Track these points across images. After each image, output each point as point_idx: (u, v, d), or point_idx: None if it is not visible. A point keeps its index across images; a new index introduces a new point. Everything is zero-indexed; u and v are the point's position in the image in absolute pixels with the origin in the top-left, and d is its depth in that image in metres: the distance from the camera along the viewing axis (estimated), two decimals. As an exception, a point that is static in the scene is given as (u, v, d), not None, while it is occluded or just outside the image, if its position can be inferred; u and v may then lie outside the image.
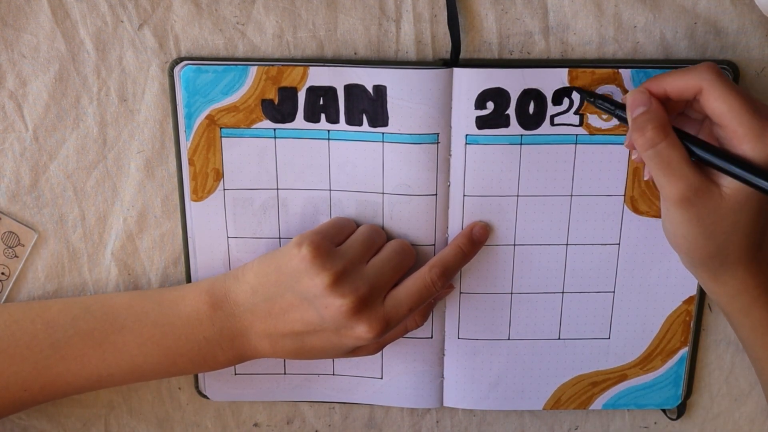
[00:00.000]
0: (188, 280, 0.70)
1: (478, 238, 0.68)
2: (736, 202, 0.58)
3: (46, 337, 0.65)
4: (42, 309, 0.66)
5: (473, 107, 0.65)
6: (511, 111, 0.65)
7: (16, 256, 0.70)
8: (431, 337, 0.72)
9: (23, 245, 0.69)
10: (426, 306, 0.69)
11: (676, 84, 0.58)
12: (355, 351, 0.66)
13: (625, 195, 0.67)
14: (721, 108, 0.57)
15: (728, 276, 0.61)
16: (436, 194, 0.67)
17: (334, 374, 0.73)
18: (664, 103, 0.59)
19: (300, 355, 0.66)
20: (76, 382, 0.66)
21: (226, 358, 0.66)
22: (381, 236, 0.67)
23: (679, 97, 0.59)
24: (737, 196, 0.57)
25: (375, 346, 0.68)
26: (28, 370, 0.64)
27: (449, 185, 0.67)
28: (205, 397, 0.74)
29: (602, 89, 0.65)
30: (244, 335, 0.65)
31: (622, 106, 0.61)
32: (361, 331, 0.63)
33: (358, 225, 0.68)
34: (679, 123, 0.61)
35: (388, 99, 0.64)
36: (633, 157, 0.64)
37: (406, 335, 0.70)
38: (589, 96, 0.63)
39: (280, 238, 0.69)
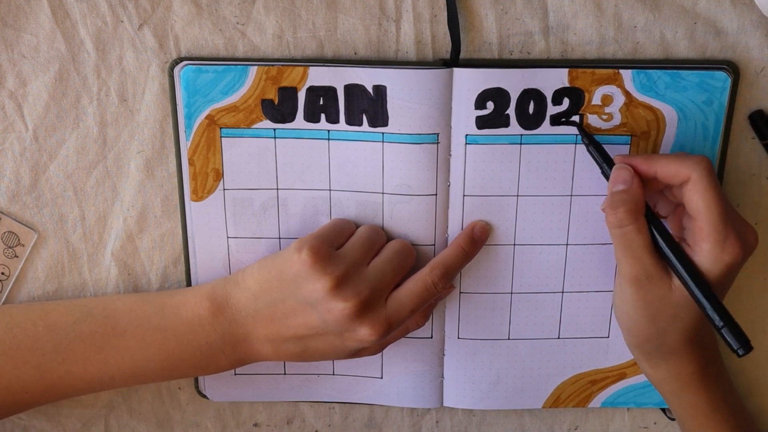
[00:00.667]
0: (188, 280, 0.70)
1: (479, 238, 0.68)
2: (682, 296, 0.61)
3: (47, 339, 0.65)
4: (43, 312, 0.66)
5: (473, 107, 0.65)
6: (511, 111, 0.65)
7: (16, 256, 0.70)
8: (431, 337, 0.72)
9: (23, 245, 0.69)
10: (427, 307, 0.69)
11: (668, 169, 0.61)
12: (357, 352, 0.66)
13: (625, 195, 0.68)
14: (698, 203, 0.60)
15: (662, 360, 0.64)
16: (436, 194, 0.67)
17: (334, 374, 0.73)
18: (649, 180, 0.62)
19: (302, 358, 0.66)
20: (78, 385, 0.66)
21: (228, 362, 0.66)
22: (381, 237, 0.67)
23: (665, 182, 0.62)
24: (684, 291, 0.60)
25: (377, 347, 0.68)
26: (29, 372, 0.64)
27: (449, 185, 0.67)
28: (205, 397, 0.74)
29: (602, 90, 0.65)
30: (246, 340, 0.65)
31: (611, 164, 0.63)
32: (364, 333, 0.63)
33: (357, 226, 0.68)
34: (654, 199, 0.65)
35: (388, 99, 0.64)
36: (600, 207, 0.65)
37: (406, 335, 0.70)
38: (587, 140, 0.65)
39: (280, 238, 0.69)
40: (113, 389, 0.68)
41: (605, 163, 0.63)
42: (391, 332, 0.64)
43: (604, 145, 0.65)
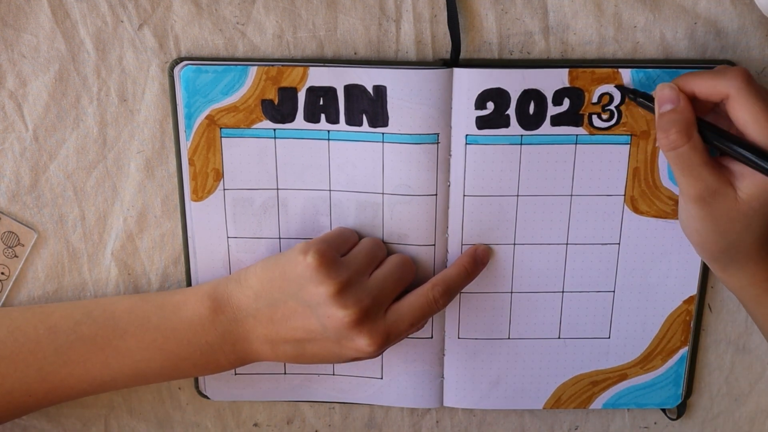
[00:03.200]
0: (188, 280, 0.70)
1: (480, 260, 0.68)
2: (750, 207, 0.59)
3: (49, 342, 0.65)
4: (44, 314, 0.66)
5: (473, 107, 0.65)
6: (511, 111, 0.65)
7: (15, 256, 0.70)
8: (431, 337, 0.72)
9: (23, 245, 0.69)
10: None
11: (704, 86, 0.59)
12: (354, 358, 0.66)
13: (625, 195, 0.67)
14: (744, 117, 0.58)
15: (738, 269, 0.63)
16: (436, 194, 0.67)
17: (334, 374, 0.73)
18: (691, 101, 0.60)
19: (300, 360, 0.66)
20: (80, 387, 0.66)
21: (228, 361, 0.66)
22: (382, 250, 0.67)
23: (706, 99, 0.60)
24: (751, 201, 0.59)
25: (375, 357, 0.67)
26: (32, 375, 0.64)
27: (449, 185, 0.67)
28: (205, 397, 0.74)
29: (602, 89, 0.65)
30: (246, 339, 0.65)
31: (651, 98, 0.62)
32: (362, 343, 0.63)
33: (360, 236, 0.68)
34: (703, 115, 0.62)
35: (388, 99, 0.64)
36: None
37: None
38: (630, 93, 0.64)
39: (280, 238, 0.69)
40: (115, 390, 0.68)
41: (646, 98, 0.62)
42: (388, 344, 0.64)
43: (603, 145, 0.65)
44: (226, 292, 0.65)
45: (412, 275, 0.67)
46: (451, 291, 0.66)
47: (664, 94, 0.60)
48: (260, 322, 0.65)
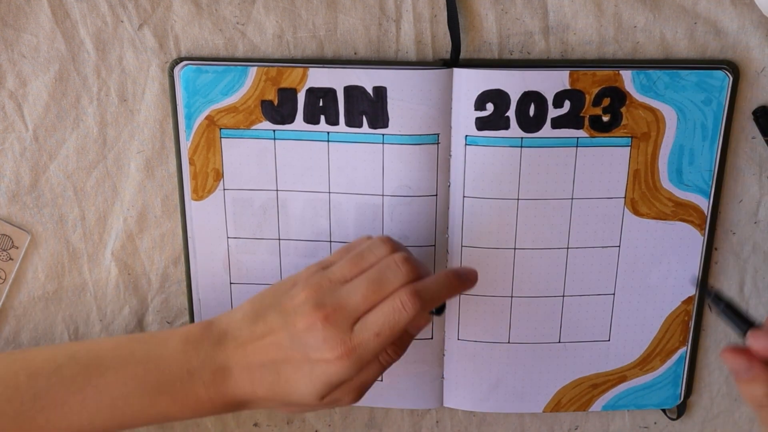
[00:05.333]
0: (188, 280, 0.70)
1: (466, 277, 0.63)
2: None
3: (28, 388, 0.61)
4: (26, 360, 0.63)
5: (473, 108, 0.65)
6: (511, 113, 0.65)
7: (11, 259, 0.70)
8: (431, 338, 0.72)
9: (17, 247, 0.69)
10: (404, 338, 0.62)
11: None
12: (332, 395, 0.61)
13: (625, 197, 0.67)
14: None
15: None
16: (436, 195, 0.67)
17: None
18: None
19: (276, 391, 0.61)
20: (56, 429, 0.62)
21: (209, 396, 0.62)
22: (396, 275, 0.60)
23: None
24: None
25: (353, 390, 0.62)
26: (6, 423, 0.61)
27: (449, 186, 0.67)
28: (205, 397, 0.74)
29: (602, 91, 0.64)
30: (225, 368, 0.61)
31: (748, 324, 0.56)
32: (326, 351, 0.58)
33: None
34: None
35: (388, 100, 0.64)
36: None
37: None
38: (716, 304, 0.57)
39: (279, 239, 0.69)
40: None
41: (745, 325, 0.56)
42: (357, 358, 0.59)
43: (604, 148, 0.65)
44: (217, 317, 0.63)
45: (396, 284, 0.60)
46: (422, 295, 0.59)
47: (733, 364, 0.54)
48: (240, 345, 0.61)
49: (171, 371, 0.61)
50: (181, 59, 0.65)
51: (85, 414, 0.62)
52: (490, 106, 0.64)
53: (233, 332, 0.62)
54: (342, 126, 0.65)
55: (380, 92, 0.64)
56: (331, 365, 0.59)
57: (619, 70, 0.64)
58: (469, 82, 0.64)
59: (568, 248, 0.69)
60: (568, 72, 0.64)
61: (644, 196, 0.67)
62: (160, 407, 0.62)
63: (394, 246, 0.61)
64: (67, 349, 0.64)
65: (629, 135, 0.66)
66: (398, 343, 0.61)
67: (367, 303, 0.59)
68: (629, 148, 0.66)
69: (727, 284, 0.72)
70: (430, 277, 0.61)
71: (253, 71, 0.64)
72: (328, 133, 0.66)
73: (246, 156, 0.66)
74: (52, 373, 0.62)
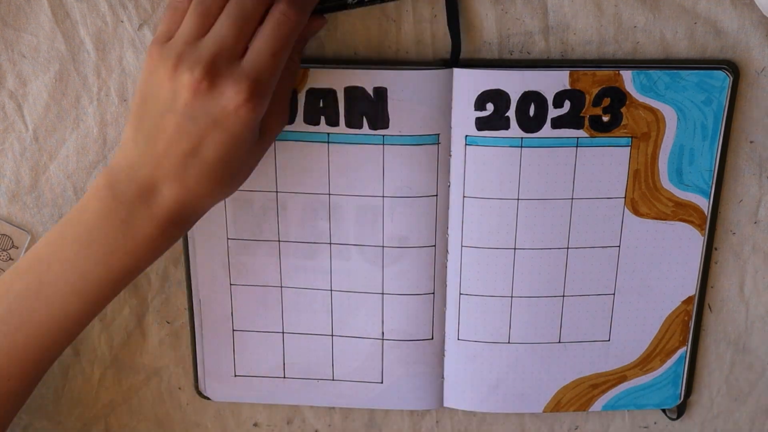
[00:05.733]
0: (188, 280, 0.70)
1: None
2: None
3: None
4: None
5: (473, 108, 0.65)
6: (511, 113, 0.65)
7: (11, 259, 0.70)
8: (432, 338, 0.72)
9: (17, 247, 0.69)
10: (298, 43, 0.61)
11: None
12: (262, 132, 0.60)
13: (625, 197, 0.67)
14: None
15: None
16: (436, 195, 0.67)
17: (333, 380, 0.73)
18: None
19: (211, 177, 0.59)
20: (40, 343, 0.62)
21: (153, 224, 0.59)
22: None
23: None
24: None
25: (260, 108, 0.58)
26: None
27: (449, 185, 0.67)
28: (205, 397, 0.74)
29: (603, 91, 0.64)
30: (152, 189, 0.59)
31: None
32: (231, 97, 0.56)
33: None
34: None
35: (389, 101, 0.64)
36: None
37: (406, 339, 0.70)
38: None
39: (279, 241, 0.69)
40: (110, 386, 0.66)
41: None
42: (262, 88, 0.57)
43: (604, 148, 0.65)
44: (113, 165, 0.60)
45: (256, 15, 0.57)
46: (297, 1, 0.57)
47: None
48: (150, 164, 0.58)
49: (108, 232, 0.59)
50: (181, 59, 0.65)
51: (55, 313, 0.61)
52: (490, 106, 0.64)
53: (135, 159, 0.59)
54: (342, 127, 0.65)
55: (381, 93, 0.64)
56: (238, 105, 0.56)
57: (619, 70, 0.64)
58: (469, 82, 0.64)
59: (568, 248, 0.69)
60: (568, 72, 0.64)
61: (644, 196, 0.67)
62: (116, 262, 0.60)
63: None
64: (12, 270, 0.62)
65: (629, 135, 0.66)
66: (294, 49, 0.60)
67: (242, 36, 0.57)
68: (629, 148, 0.66)
69: (727, 284, 0.72)
70: None
71: (253, 71, 0.64)
72: (328, 134, 0.66)
73: (246, 156, 0.66)
74: (5, 294, 0.61)
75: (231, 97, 0.56)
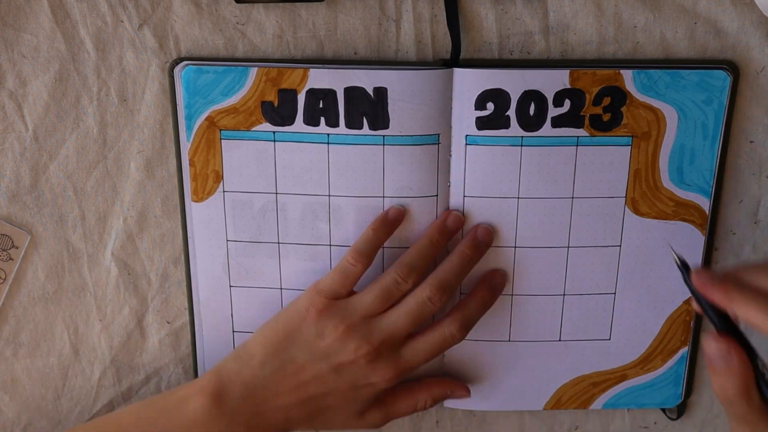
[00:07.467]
0: (188, 280, 0.70)
1: (498, 286, 0.68)
2: None
3: None
4: None
5: (473, 108, 0.65)
6: (512, 112, 0.65)
7: (11, 259, 0.70)
8: (431, 338, 0.72)
9: (17, 247, 0.69)
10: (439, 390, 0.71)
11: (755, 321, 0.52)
12: (364, 415, 0.67)
13: (626, 196, 0.67)
14: None
15: None
16: (437, 195, 0.67)
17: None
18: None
19: (314, 423, 0.67)
20: None
21: None
22: (398, 287, 0.65)
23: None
24: None
25: (382, 416, 0.68)
26: None
27: (449, 185, 0.67)
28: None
29: (603, 90, 0.65)
30: (258, 414, 0.65)
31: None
32: (376, 380, 0.65)
33: (365, 262, 0.66)
34: None
35: (389, 101, 0.64)
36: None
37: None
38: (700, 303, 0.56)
39: (279, 242, 0.69)
40: (112, 388, 0.68)
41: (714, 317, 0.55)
42: (402, 378, 0.66)
43: (604, 147, 0.65)
44: (229, 372, 0.65)
45: (430, 314, 0.65)
46: (468, 325, 0.66)
47: (712, 349, 0.53)
48: (271, 391, 0.65)
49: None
50: (181, 59, 0.65)
51: None
52: (490, 106, 0.64)
53: (258, 382, 0.65)
54: (342, 128, 0.65)
55: (381, 93, 0.64)
56: (378, 386, 0.65)
57: (619, 70, 0.64)
58: (469, 82, 0.64)
59: (568, 247, 0.69)
60: (568, 71, 0.64)
61: (645, 196, 0.67)
62: None
63: (416, 273, 0.65)
64: (94, 427, 0.66)
65: (630, 134, 0.66)
66: (435, 396, 0.70)
67: (409, 331, 0.65)
68: (630, 147, 0.66)
69: (727, 284, 0.72)
70: (470, 301, 0.67)
71: (253, 72, 0.64)
72: (328, 135, 0.65)
73: (246, 158, 0.66)
74: None
75: (380, 375, 0.65)
